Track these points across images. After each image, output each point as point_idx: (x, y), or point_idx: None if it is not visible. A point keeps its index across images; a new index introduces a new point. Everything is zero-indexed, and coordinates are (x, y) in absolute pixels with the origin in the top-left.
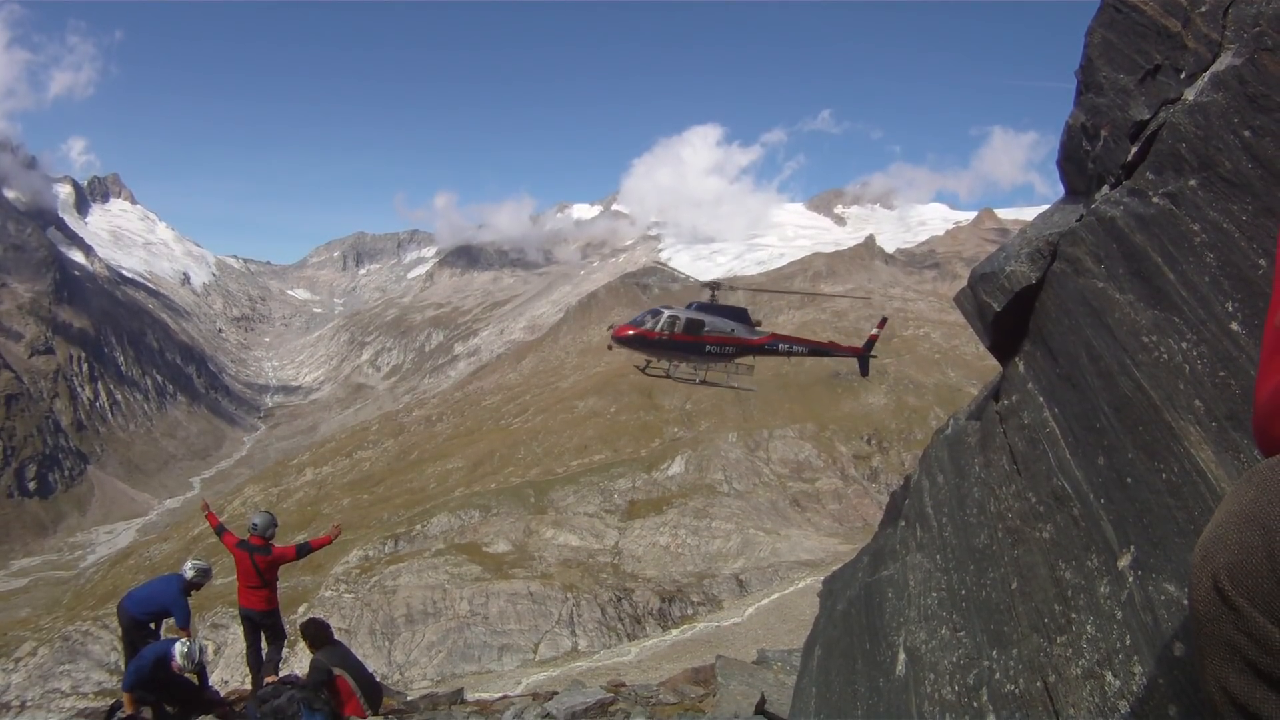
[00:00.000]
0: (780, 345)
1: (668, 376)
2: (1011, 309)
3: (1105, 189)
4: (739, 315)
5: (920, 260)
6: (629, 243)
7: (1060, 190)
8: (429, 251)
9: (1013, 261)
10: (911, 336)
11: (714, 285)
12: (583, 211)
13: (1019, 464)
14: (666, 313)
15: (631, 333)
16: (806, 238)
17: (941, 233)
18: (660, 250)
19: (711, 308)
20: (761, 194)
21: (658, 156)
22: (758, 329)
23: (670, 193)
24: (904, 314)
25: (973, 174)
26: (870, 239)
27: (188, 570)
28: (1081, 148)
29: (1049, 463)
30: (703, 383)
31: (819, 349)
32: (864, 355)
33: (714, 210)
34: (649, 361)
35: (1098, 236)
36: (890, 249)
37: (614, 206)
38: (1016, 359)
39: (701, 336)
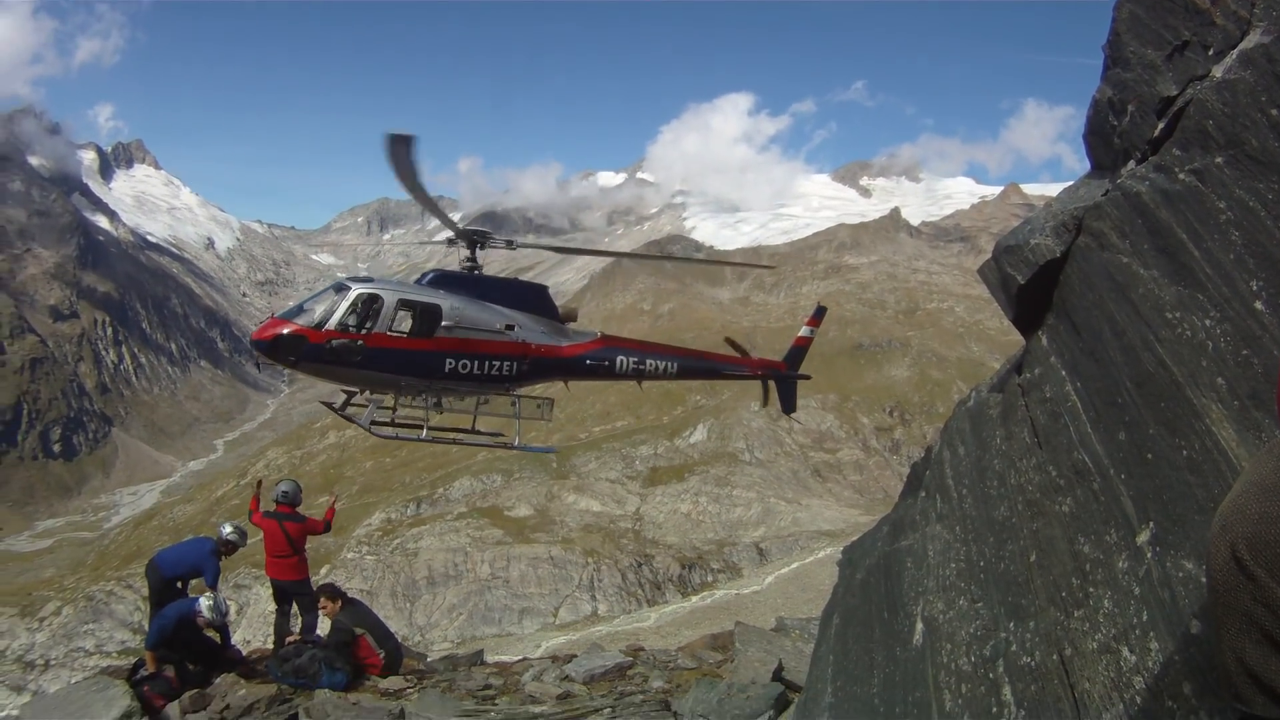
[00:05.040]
0: (613, 359)
1: (395, 437)
2: (1036, 282)
3: (1131, 164)
4: (530, 298)
5: (945, 234)
6: (654, 210)
7: (1088, 165)
8: (454, 216)
9: (1038, 234)
10: (935, 310)
11: (475, 238)
12: (608, 179)
13: (1040, 437)
14: (356, 290)
15: (284, 332)
16: (831, 209)
17: (967, 207)
18: (685, 218)
19: (469, 281)
20: (788, 164)
21: (686, 124)
22: (573, 327)
23: (697, 161)
24: (928, 287)
25: (1002, 147)
26: (895, 211)
27: (227, 530)
28: (1108, 122)
29: (1070, 436)
30: (440, 439)
31: (695, 366)
32: (784, 377)
33: (740, 179)
34: (347, 396)
35: (1123, 211)
36: (915, 222)
37: (640, 174)
38: (1040, 332)
39: (435, 340)
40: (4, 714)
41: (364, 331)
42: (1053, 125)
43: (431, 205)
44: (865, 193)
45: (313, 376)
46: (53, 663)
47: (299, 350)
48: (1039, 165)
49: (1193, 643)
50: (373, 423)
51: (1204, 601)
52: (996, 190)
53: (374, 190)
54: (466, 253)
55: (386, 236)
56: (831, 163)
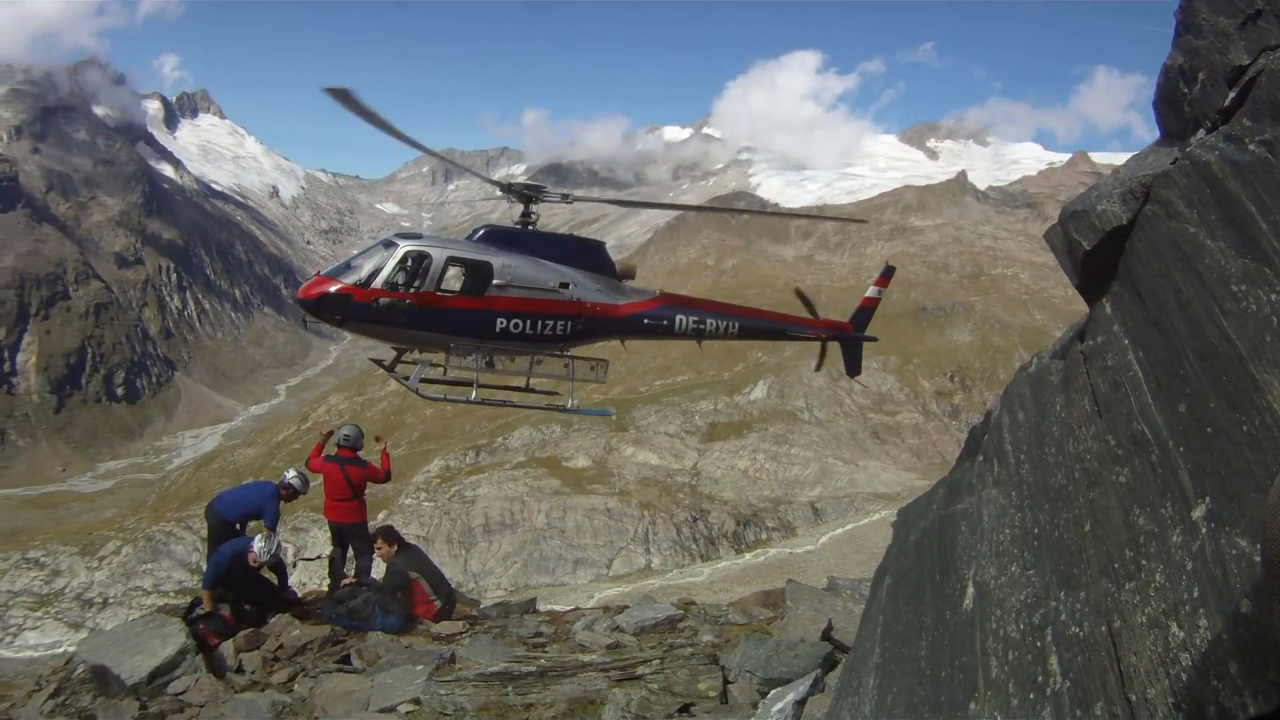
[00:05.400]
0: (672, 318)
1: (444, 399)
2: (1101, 248)
3: (1201, 133)
4: (586, 255)
5: (1012, 199)
6: (719, 166)
7: (1157, 135)
8: (518, 169)
9: (1105, 201)
10: (1000, 276)
11: (529, 193)
12: (674, 133)
13: (1100, 406)
14: (404, 247)
15: (330, 290)
16: (898, 170)
17: (1034, 173)
18: (750, 175)
19: (522, 237)
20: (855, 123)
21: (753, 79)
22: (631, 285)
23: (763, 117)
24: (993, 252)
25: (1071, 113)
26: (962, 174)
27: (290, 475)
28: (1179, 90)
29: (1130, 406)
30: (490, 401)
31: (758, 326)
32: (850, 338)
33: (806, 137)
34: (397, 354)
35: (1191, 181)
36: (982, 186)
37: (706, 129)
38: (1104, 300)
39: (485, 299)
40: (62, 650)
41: (412, 290)
42: (1123, 93)
43: (413, 143)
44: (932, 155)
45: (359, 335)
46: (111, 601)
47: (345, 309)
48: (1108, 134)
49: (1241, 622)
50: (421, 382)
51: (1255, 581)
52: (1064, 157)
53: (439, 140)
54: (524, 205)
55: (451, 186)
56: (899, 123)
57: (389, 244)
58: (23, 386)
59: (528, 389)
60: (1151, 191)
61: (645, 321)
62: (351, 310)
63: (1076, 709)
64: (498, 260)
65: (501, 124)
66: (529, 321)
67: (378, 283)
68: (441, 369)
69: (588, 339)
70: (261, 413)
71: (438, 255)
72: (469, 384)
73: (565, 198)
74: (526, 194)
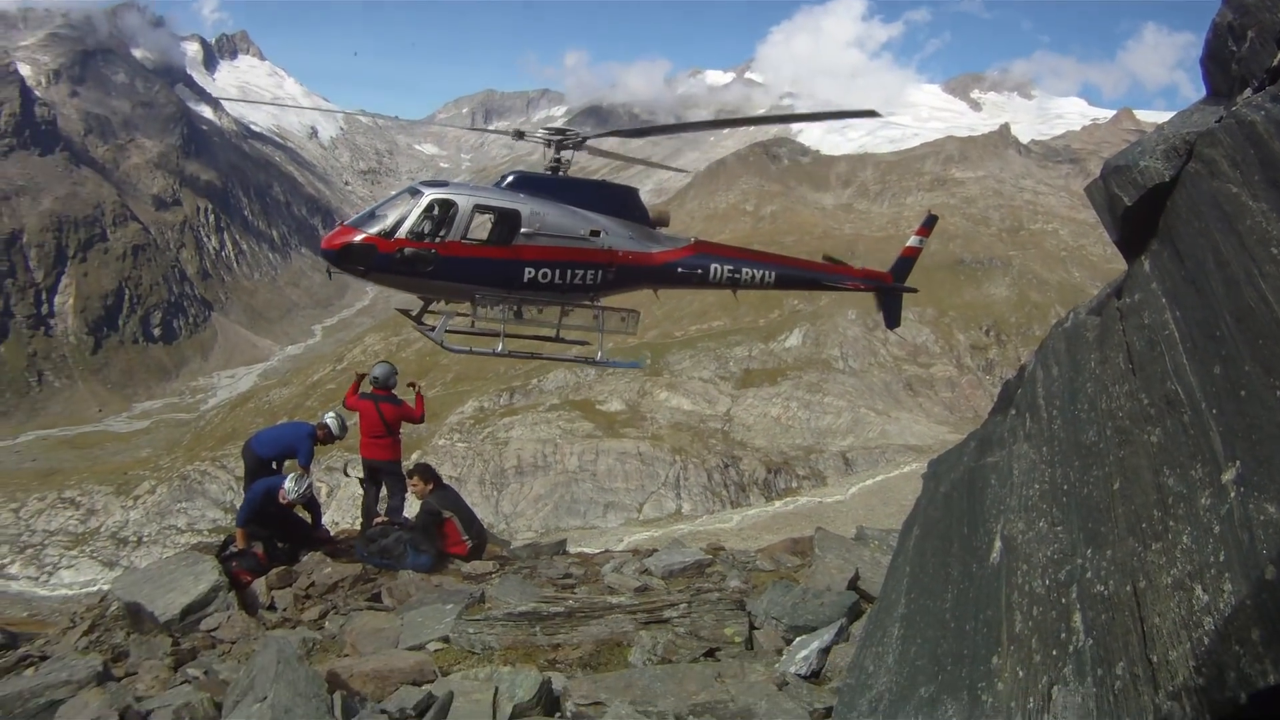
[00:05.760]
0: (706, 266)
1: (469, 352)
2: (1142, 205)
3: (1248, 92)
4: (618, 201)
5: (1055, 154)
6: (761, 111)
7: (1204, 93)
8: (558, 111)
9: (1147, 157)
10: (1039, 231)
11: (562, 138)
12: (716, 78)
13: (1134, 364)
14: (429, 195)
15: (353, 241)
16: (940, 120)
17: (1078, 128)
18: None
19: (552, 183)
20: (899, 71)
21: (798, 25)
22: (664, 232)
23: (807, 63)
24: (1034, 207)
25: (1118, 69)
26: (1005, 127)
27: (329, 417)
28: (1227, 48)
29: (1165, 365)
30: (516, 354)
31: (795, 275)
32: (889, 289)
33: (849, 84)
34: (424, 304)
35: (1236, 140)
36: (1025, 140)
37: (748, 74)
38: (1143, 257)
39: (513, 248)
40: (96, 588)
41: (438, 239)
42: (1171, 51)
43: None
44: (975, 106)
45: (384, 286)
46: (145, 539)
47: (369, 260)
48: (1154, 91)
49: (1266, 589)
50: (446, 334)
51: None
52: (1109, 114)
53: (479, 82)
54: (555, 150)
55: (491, 128)
56: (943, 73)
57: (414, 192)
58: (60, 328)
59: (557, 339)
60: (1195, 149)
61: (679, 270)
62: (375, 261)
63: (1098, 667)
64: (526, 208)
65: (543, 66)
66: (558, 271)
67: (402, 232)
68: (469, 320)
69: (619, 288)
70: (297, 353)
71: (464, 203)
72: (496, 335)
73: (582, 142)
74: (556, 139)
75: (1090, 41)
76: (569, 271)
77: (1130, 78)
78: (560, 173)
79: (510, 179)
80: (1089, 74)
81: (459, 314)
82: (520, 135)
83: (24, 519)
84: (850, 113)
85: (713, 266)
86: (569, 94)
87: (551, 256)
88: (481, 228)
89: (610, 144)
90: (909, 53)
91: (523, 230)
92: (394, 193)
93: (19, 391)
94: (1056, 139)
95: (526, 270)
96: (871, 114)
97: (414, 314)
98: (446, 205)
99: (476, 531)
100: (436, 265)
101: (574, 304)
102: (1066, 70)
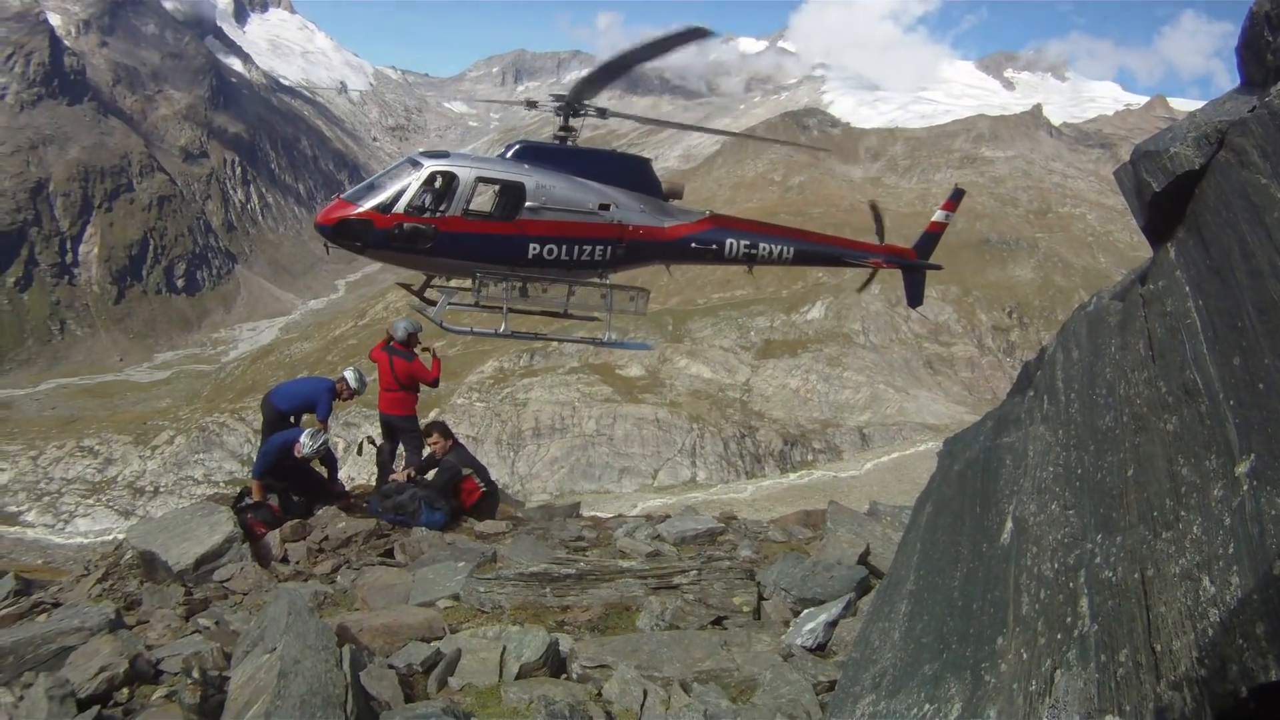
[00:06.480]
0: (721, 241)
1: (470, 333)
2: (1170, 192)
3: None
4: (629, 173)
5: (1086, 137)
6: (793, 81)
7: (1238, 81)
8: (588, 72)
9: (1178, 143)
10: (1067, 215)
11: (571, 105)
12: (749, 45)
13: (1155, 351)
14: (429, 166)
15: (348, 215)
16: (972, 98)
17: (1111, 113)
18: (823, 92)
19: (559, 154)
20: (933, 46)
21: None
22: (678, 205)
23: (840, 34)
24: (1062, 190)
25: (1154, 55)
26: (1037, 108)
27: (349, 372)
28: (1263, 37)
29: (1185, 354)
30: (520, 335)
31: (814, 251)
32: (913, 265)
33: (882, 56)
34: (426, 279)
35: (1268, 131)
36: (1056, 121)
37: (781, 43)
38: (1168, 244)
39: (518, 223)
40: (111, 536)
41: (438, 214)
42: (1208, 40)
43: None
44: (1008, 85)
45: (382, 263)
46: (162, 490)
47: (365, 236)
48: (1189, 80)
49: (1273, 584)
50: (446, 312)
51: None
52: (1142, 100)
53: (511, 41)
54: (564, 118)
55: (520, 88)
56: (977, 50)
57: (414, 163)
58: (84, 277)
59: (565, 314)
60: (1226, 138)
61: (693, 245)
62: (372, 237)
63: (1102, 653)
64: (531, 180)
65: (575, 26)
66: (565, 246)
67: (400, 206)
68: (472, 297)
69: (630, 264)
70: (320, 307)
71: (466, 175)
72: (499, 313)
73: (602, 113)
74: (567, 106)
75: (1127, 25)
76: (576, 247)
77: (1165, 65)
78: (569, 142)
79: (515, 148)
80: (1124, 58)
81: (462, 289)
82: (533, 105)
83: (42, 466)
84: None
85: (728, 241)
86: (600, 56)
87: (558, 231)
88: (484, 201)
89: (641, 109)
90: (944, 28)
91: (528, 204)
92: (394, 163)
93: (41, 339)
94: (1088, 123)
95: (531, 246)
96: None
97: (415, 289)
98: (447, 178)
99: (490, 490)
100: (436, 241)
101: (581, 281)
102: (1102, 53)
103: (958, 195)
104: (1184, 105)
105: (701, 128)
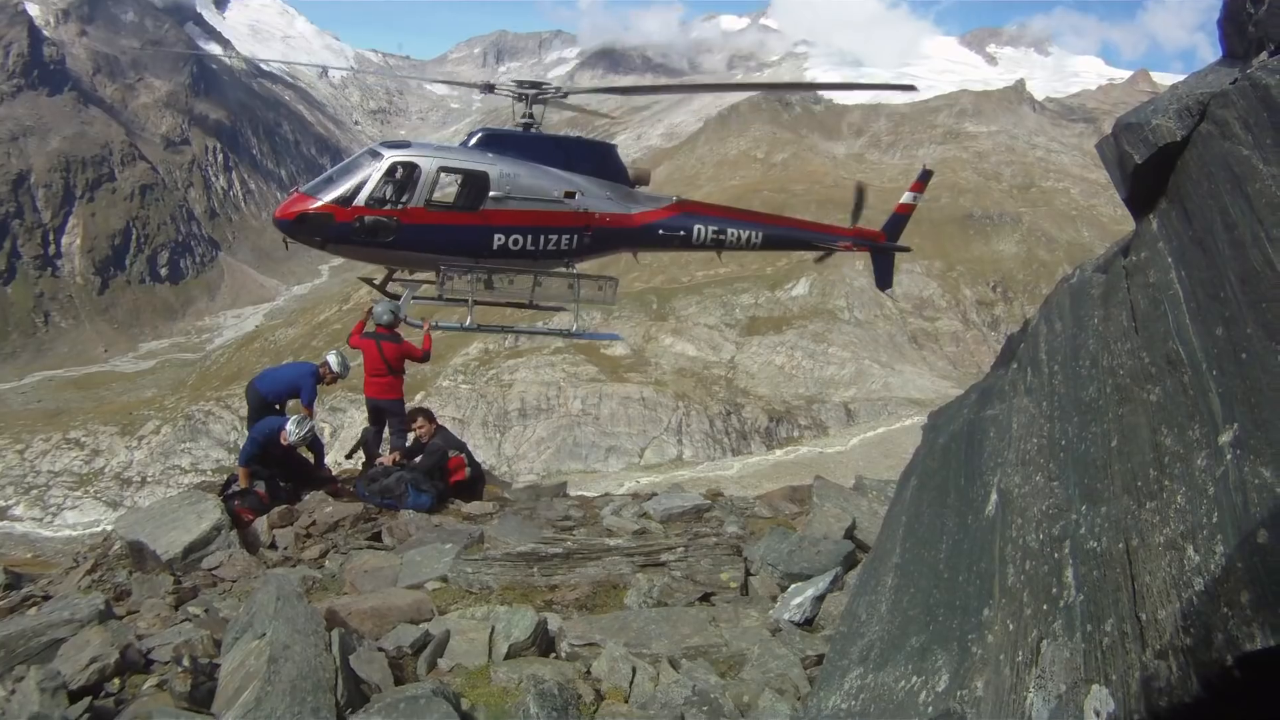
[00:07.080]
0: (689, 227)
1: (436, 327)
2: (1152, 163)
3: (1264, 55)
4: (595, 159)
5: (1069, 112)
6: (775, 58)
7: (1221, 55)
8: (571, 52)
9: (1160, 115)
10: (1050, 189)
11: (534, 91)
12: (731, 22)
13: (1138, 322)
14: (390, 157)
15: (307, 209)
16: (955, 73)
17: (1094, 87)
18: (806, 69)
19: (523, 141)
20: (916, 22)
21: None
22: (644, 191)
23: (822, 11)
24: (1045, 165)
25: (1138, 30)
26: (1020, 83)
27: (331, 358)
28: (1244, 9)
29: (1168, 325)
30: (486, 328)
31: (782, 236)
32: (881, 248)
33: (865, 33)
34: (389, 274)
35: (1249, 102)
36: (1039, 96)
37: (763, 20)
38: (1151, 216)
39: (481, 213)
40: (100, 528)
41: (399, 206)
42: (1193, 14)
43: None
44: (991, 60)
45: (344, 257)
46: (149, 480)
47: (325, 230)
48: (1173, 54)
49: (1257, 552)
50: (409, 306)
51: (1275, 511)
52: (1126, 74)
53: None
54: (526, 104)
55: (502, 69)
56: (960, 26)
57: (374, 154)
58: (67, 269)
59: (531, 305)
60: (1208, 110)
61: (660, 232)
62: (332, 231)
63: (1087, 623)
64: (495, 169)
65: (556, 6)
66: (530, 236)
67: (361, 199)
68: (436, 290)
69: (597, 253)
70: (304, 292)
71: (427, 166)
72: (465, 306)
73: (559, 91)
74: (529, 93)
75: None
76: (542, 236)
77: (1149, 39)
78: (533, 129)
79: (478, 136)
80: (1108, 33)
81: (426, 282)
82: (490, 88)
83: (29, 460)
84: (886, 86)
85: (696, 227)
86: (582, 36)
87: (523, 221)
88: (447, 191)
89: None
90: (926, 4)
91: (491, 193)
92: (354, 153)
93: (25, 332)
94: (1072, 97)
95: (496, 236)
96: (909, 88)
97: (377, 282)
98: (409, 168)
99: (476, 472)
100: (398, 234)
101: (548, 271)
102: (1086, 28)
103: (925, 176)
104: (1168, 79)
105: (654, 87)
